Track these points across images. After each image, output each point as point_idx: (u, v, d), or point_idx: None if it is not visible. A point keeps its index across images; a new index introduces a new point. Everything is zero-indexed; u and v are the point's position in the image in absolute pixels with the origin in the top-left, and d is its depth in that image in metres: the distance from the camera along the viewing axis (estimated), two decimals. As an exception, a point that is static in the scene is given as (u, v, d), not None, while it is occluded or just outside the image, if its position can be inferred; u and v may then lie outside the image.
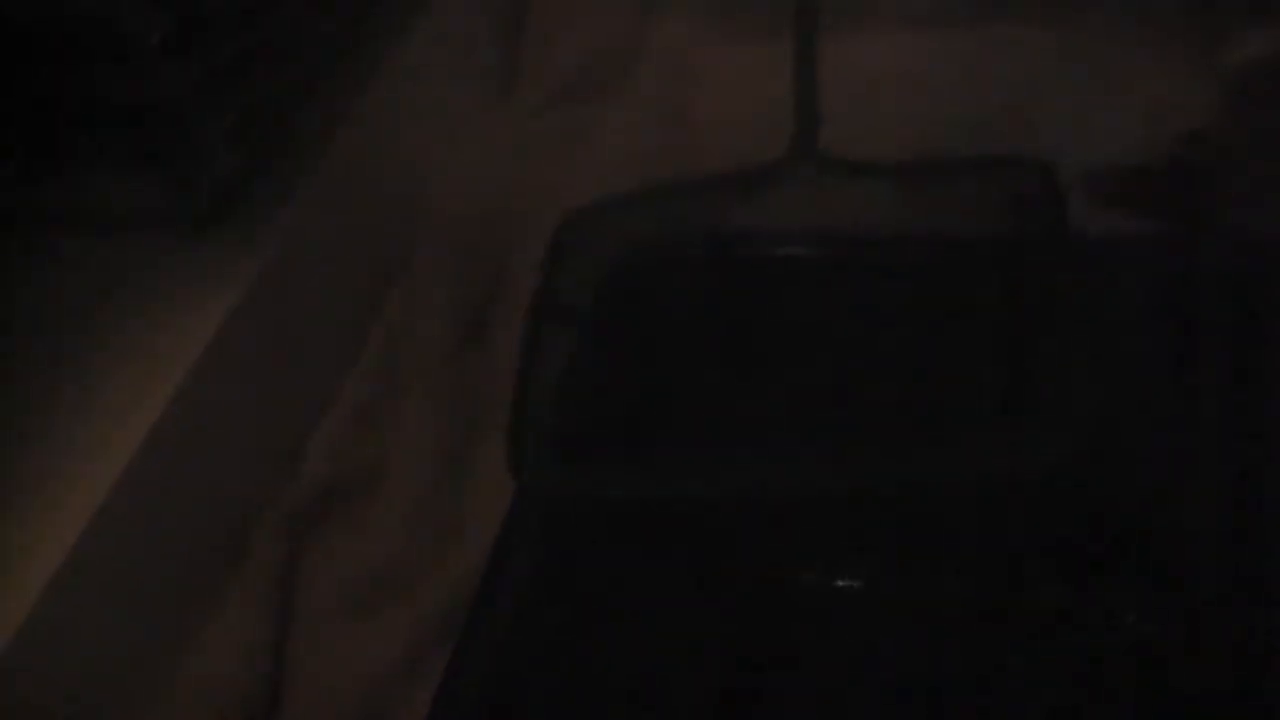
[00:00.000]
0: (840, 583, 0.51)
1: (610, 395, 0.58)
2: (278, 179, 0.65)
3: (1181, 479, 0.52)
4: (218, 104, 0.62)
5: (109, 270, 0.61)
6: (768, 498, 0.52)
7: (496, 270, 0.70)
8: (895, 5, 0.73)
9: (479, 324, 0.68)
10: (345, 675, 0.55)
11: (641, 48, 0.79)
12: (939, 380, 0.56)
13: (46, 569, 0.51)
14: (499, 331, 0.67)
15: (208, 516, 0.59)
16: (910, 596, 0.51)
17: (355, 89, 0.69)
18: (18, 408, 0.57)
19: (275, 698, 0.55)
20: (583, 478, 0.55)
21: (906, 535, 0.51)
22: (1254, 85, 0.64)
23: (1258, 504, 0.51)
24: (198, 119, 0.62)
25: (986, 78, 0.69)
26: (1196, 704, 0.48)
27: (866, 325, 0.58)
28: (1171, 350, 0.55)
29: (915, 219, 0.58)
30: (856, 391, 0.56)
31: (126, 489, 0.54)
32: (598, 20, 0.80)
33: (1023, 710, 0.48)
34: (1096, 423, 0.51)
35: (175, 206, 0.63)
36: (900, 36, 0.72)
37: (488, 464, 0.61)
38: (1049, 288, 0.55)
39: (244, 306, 0.60)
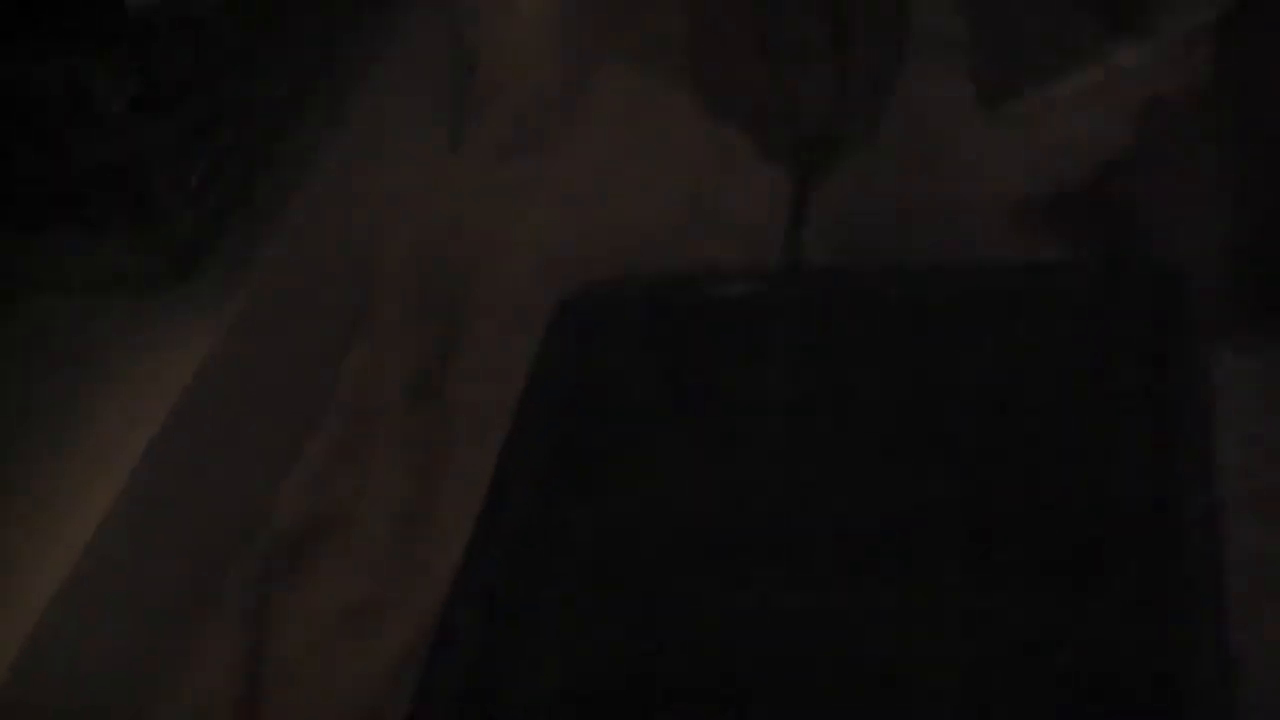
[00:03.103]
0: None
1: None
2: (240, 237, 0.66)
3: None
4: (183, 164, 0.64)
5: (76, 332, 0.63)
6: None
7: (449, 322, 0.72)
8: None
9: (434, 375, 0.70)
10: (314, 708, 0.58)
11: (586, 97, 0.81)
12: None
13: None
14: (453, 383, 0.69)
15: (181, 566, 0.61)
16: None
17: (310, 145, 0.71)
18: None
19: None
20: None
21: None
22: (1157, 121, 0.67)
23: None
24: (164, 180, 0.64)
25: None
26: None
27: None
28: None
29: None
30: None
31: (97, 552, 0.55)
32: (541, 71, 0.83)
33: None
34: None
35: (140, 266, 0.64)
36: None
37: (447, 511, 0.63)
38: None
39: (210, 364, 0.62)
